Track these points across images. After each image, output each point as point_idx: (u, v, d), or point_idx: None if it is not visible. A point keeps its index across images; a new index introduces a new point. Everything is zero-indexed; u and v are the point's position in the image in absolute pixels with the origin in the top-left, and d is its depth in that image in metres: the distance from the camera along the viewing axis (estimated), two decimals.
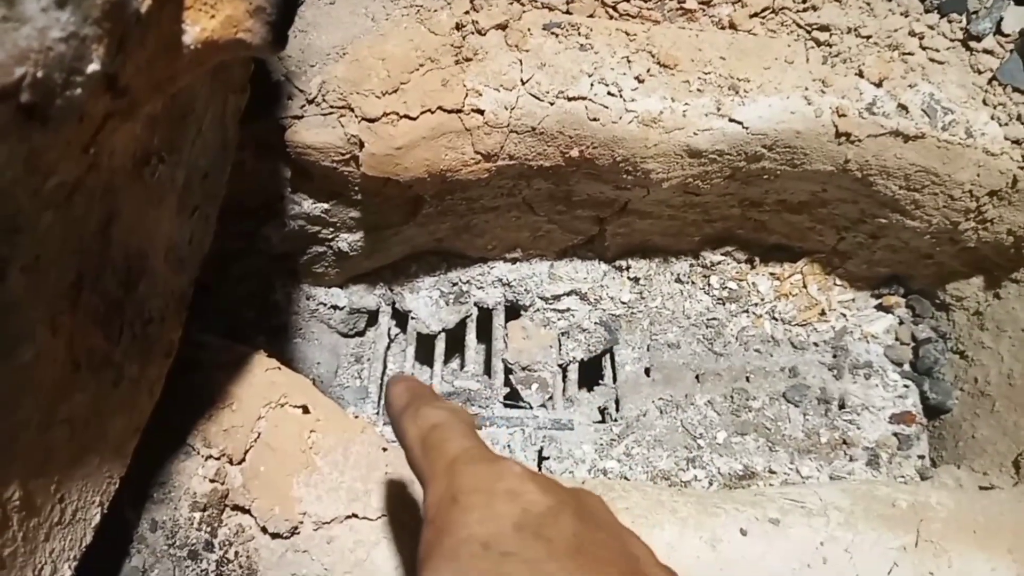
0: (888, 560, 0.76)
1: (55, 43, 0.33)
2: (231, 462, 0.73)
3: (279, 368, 0.79)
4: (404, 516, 0.73)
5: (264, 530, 0.71)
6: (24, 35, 0.32)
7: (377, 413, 1.13)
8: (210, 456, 0.73)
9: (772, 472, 1.08)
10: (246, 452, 0.73)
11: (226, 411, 0.75)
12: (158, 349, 0.68)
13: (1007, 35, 0.97)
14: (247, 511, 0.72)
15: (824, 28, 0.97)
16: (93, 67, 0.35)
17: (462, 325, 1.22)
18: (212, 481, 0.72)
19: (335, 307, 1.18)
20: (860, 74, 0.97)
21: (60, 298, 0.51)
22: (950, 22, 0.99)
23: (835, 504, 0.80)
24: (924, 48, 0.99)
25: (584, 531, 0.40)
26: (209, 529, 0.72)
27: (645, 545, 0.45)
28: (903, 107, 0.95)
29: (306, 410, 0.76)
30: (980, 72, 0.97)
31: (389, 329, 1.23)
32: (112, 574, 0.69)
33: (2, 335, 0.44)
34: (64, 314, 0.52)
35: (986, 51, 0.98)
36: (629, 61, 0.92)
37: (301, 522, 0.71)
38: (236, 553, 0.71)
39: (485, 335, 1.23)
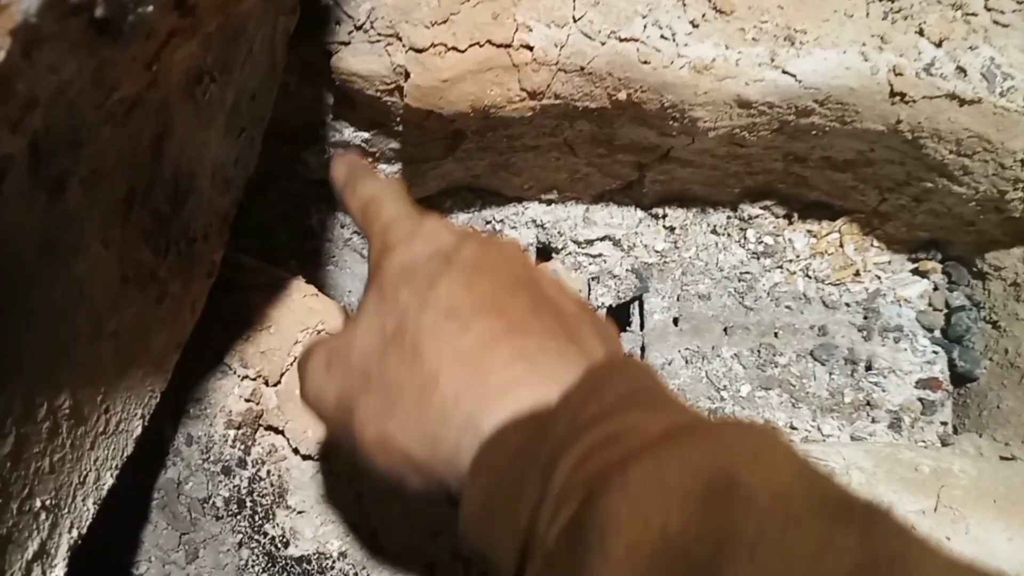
0: (906, 523, 0.77)
1: None
2: (267, 383, 0.75)
3: (316, 295, 0.79)
4: None
5: (296, 451, 0.73)
6: None
7: None
8: (246, 376, 0.74)
9: (793, 428, 1.08)
10: (282, 375, 0.75)
11: (264, 333, 0.76)
12: (201, 268, 0.69)
13: None
14: (280, 432, 0.74)
15: None
16: None
17: None
18: (247, 401, 0.74)
19: None
20: (920, 32, 0.94)
21: (112, 212, 0.51)
22: None
23: (858, 464, 0.80)
24: (989, 9, 0.95)
25: (485, 254, 0.46)
26: (243, 447, 0.73)
27: (551, 275, 0.50)
28: (961, 69, 0.92)
29: None
30: None
31: None
32: (149, 484, 0.72)
33: (60, 246, 0.44)
34: (115, 228, 0.52)
35: None
36: (685, 4, 0.90)
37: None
38: (268, 472, 0.73)
39: None
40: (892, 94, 0.92)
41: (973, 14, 0.95)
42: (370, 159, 1.05)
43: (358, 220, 0.53)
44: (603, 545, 0.29)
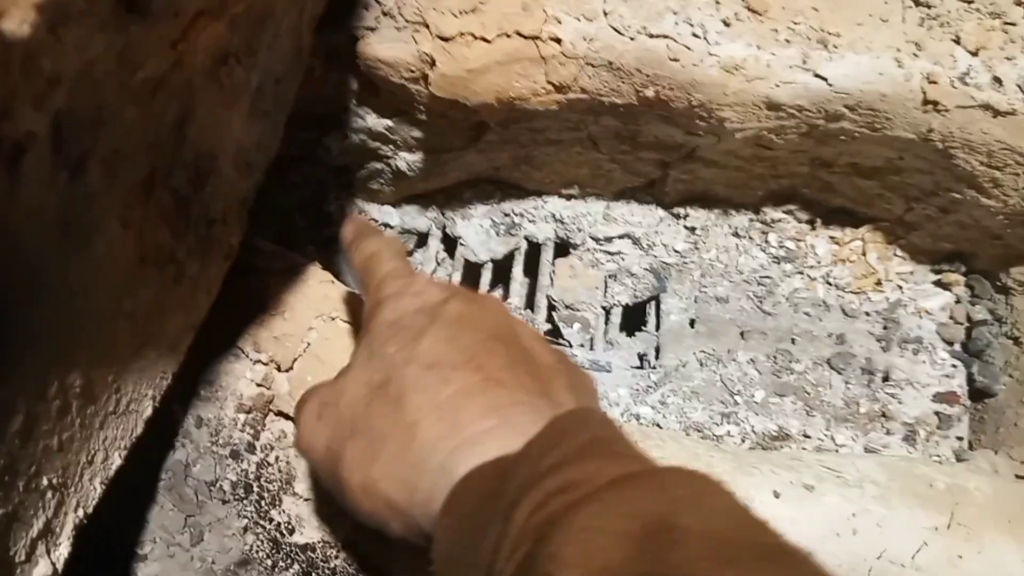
0: (918, 539, 0.76)
1: None
2: (279, 369, 0.74)
3: (332, 282, 0.79)
4: None
5: None
6: None
7: None
8: (259, 361, 0.74)
9: (806, 436, 1.07)
10: (295, 361, 0.74)
11: (278, 318, 0.75)
12: (219, 251, 0.69)
13: None
14: (290, 418, 0.73)
15: None
16: None
17: (510, 257, 1.21)
18: (259, 385, 0.73)
19: (386, 225, 1.18)
20: (957, 40, 0.92)
21: (133, 192, 0.51)
22: None
23: (872, 478, 0.79)
24: None
25: (468, 310, 0.50)
26: (252, 432, 0.73)
27: (532, 328, 0.55)
28: (997, 80, 0.91)
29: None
30: None
31: (437, 253, 1.22)
32: (156, 464, 0.72)
33: (79, 226, 0.44)
34: (135, 208, 0.52)
35: None
36: (718, 3, 0.88)
37: None
38: (277, 458, 0.73)
39: (532, 270, 1.22)
40: (925, 102, 0.90)
41: (1012, 23, 0.94)
42: (391, 146, 1.04)
43: (360, 275, 0.59)
44: None
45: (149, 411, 0.61)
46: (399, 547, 0.68)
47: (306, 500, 0.72)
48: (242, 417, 0.73)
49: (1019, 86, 0.90)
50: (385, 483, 0.45)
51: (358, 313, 0.78)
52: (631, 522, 0.33)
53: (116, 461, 0.57)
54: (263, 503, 0.72)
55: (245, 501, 0.72)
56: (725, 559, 0.31)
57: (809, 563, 0.33)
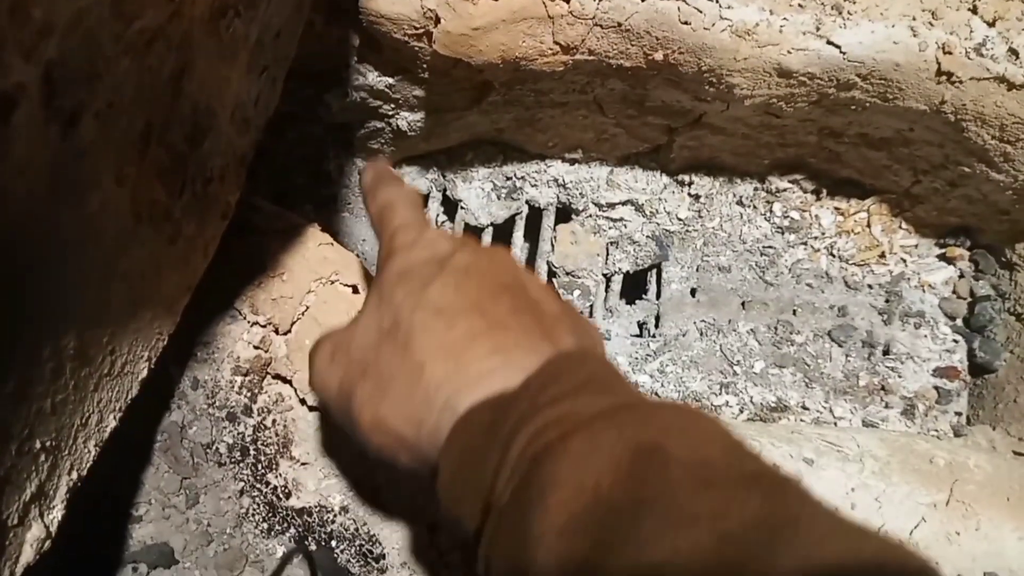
0: (917, 515, 0.76)
1: None
2: (277, 331, 0.73)
3: (332, 244, 0.77)
4: None
5: (303, 402, 0.72)
6: None
7: None
8: (256, 323, 0.73)
9: (805, 408, 1.07)
10: (293, 323, 0.73)
11: (276, 280, 0.74)
12: (216, 209, 0.67)
13: None
14: (288, 381, 0.73)
15: None
16: None
17: (511, 221, 1.20)
18: (256, 348, 0.72)
19: None
20: (974, 10, 0.90)
21: (128, 148, 0.49)
22: None
23: (872, 453, 0.79)
24: None
25: (476, 261, 0.51)
26: (249, 394, 0.72)
27: (540, 280, 0.55)
28: (1014, 52, 0.88)
29: (356, 290, 0.75)
30: None
31: (437, 215, 1.21)
32: (152, 426, 0.71)
33: (72, 182, 0.42)
34: (130, 165, 0.50)
35: None
36: None
37: None
38: (273, 421, 0.72)
39: (533, 235, 1.21)
40: (939, 73, 0.88)
41: None
42: (393, 105, 1.02)
43: (375, 222, 0.60)
44: (543, 501, 0.36)
45: (144, 373, 0.60)
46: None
47: (303, 464, 0.71)
48: (239, 380, 0.72)
49: None
50: (394, 419, 0.47)
51: (360, 277, 0.77)
52: (622, 447, 0.36)
53: (111, 423, 0.56)
54: (259, 466, 0.71)
55: (241, 464, 0.71)
56: (707, 482, 0.34)
57: (792, 487, 0.35)
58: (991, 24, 0.89)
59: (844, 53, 0.87)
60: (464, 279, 0.49)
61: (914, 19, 0.88)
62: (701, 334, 1.12)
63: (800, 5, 0.87)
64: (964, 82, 0.88)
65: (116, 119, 0.45)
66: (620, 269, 1.17)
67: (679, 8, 0.84)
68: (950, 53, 0.87)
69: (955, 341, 1.12)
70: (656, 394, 1.07)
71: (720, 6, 0.85)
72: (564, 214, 1.20)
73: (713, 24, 0.85)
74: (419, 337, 0.47)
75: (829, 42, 0.87)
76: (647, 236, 1.16)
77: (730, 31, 0.85)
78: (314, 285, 0.74)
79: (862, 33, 0.87)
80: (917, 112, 0.93)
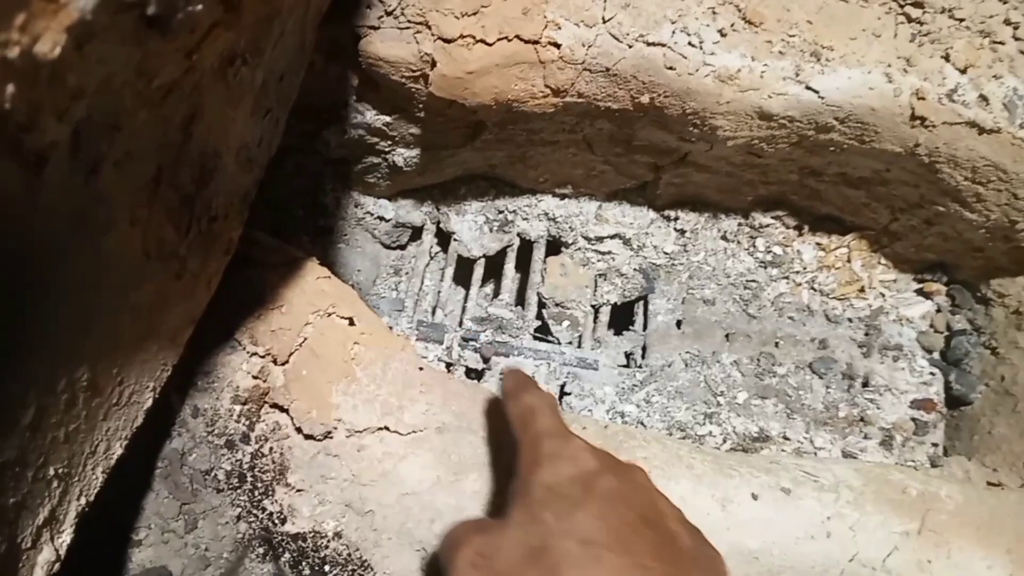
0: (890, 544, 0.78)
1: None
2: (275, 362, 0.76)
3: (329, 277, 0.80)
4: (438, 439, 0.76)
5: (299, 431, 0.75)
6: None
7: (411, 327, 1.15)
8: (255, 353, 0.76)
9: (786, 439, 1.10)
10: (291, 354, 0.76)
11: (275, 312, 0.77)
12: (219, 245, 0.70)
13: None
14: (285, 410, 0.75)
15: (918, 4, 0.94)
16: None
17: (502, 253, 1.23)
18: (255, 378, 0.75)
19: (381, 218, 1.20)
20: (946, 58, 0.94)
21: (141, 191, 0.52)
22: None
23: (847, 483, 0.82)
24: (1017, 39, 0.95)
25: (619, 487, 0.54)
26: (247, 423, 0.75)
27: (673, 505, 0.59)
28: (984, 98, 0.93)
29: (352, 322, 0.78)
30: None
31: (431, 247, 1.24)
32: (153, 453, 0.73)
33: (91, 223, 0.45)
34: (143, 206, 0.53)
35: None
36: (715, 13, 0.90)
37: (335, 428, 0.74)
38: (271, 448, 0.74)
39: (524, 266, 1.24)
40: (913, 117, 0.92)
41: (1000, 42, 0.95)
42: (389, 141, 1.05)
43: (515, 424, 0.63)
44: None
45: (150, 402, 0.62)
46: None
47: (299, 491, 0.74)
48: (238, 408, 0.75)
49: (1005, 105, 0.92)
50: None
51: (356, 309, 0.80)
52: None
53: (118, 451, 0.59)
54: (256, 492, 0.74)
55: (239, 490, 0.74)
56: None
57: None
58: (963, 71, 0.94)
59: (822, 97, 0.91)
60: (609, 508, 0.53)
61: (889, 66, 0.92)
62: (686, 365, 1.15)
63: (780, 52, 0.91)
64: (937, 126, 0.92)
65: (132, 165, 0.48)
66: (608, 301, 1.20)
67: (664, 54, 0.88)
68: (923, 99, 0.92)
69: (932, 374, 1.15)
70: (642, 423, 1.10)
71: (704, 52, 0.89)
72: (554, 247, 1.24)
73: (697, 69, 0.89)
74: (566, 569, 0.49)
75: (808, 87, 0.91)
76: (634, 269, 1.20)
77: (713, 76, 0.89)
78: (312, 317, 0.77)
79: (839, 79, 0.91)
80: (893, 154, 0.97)
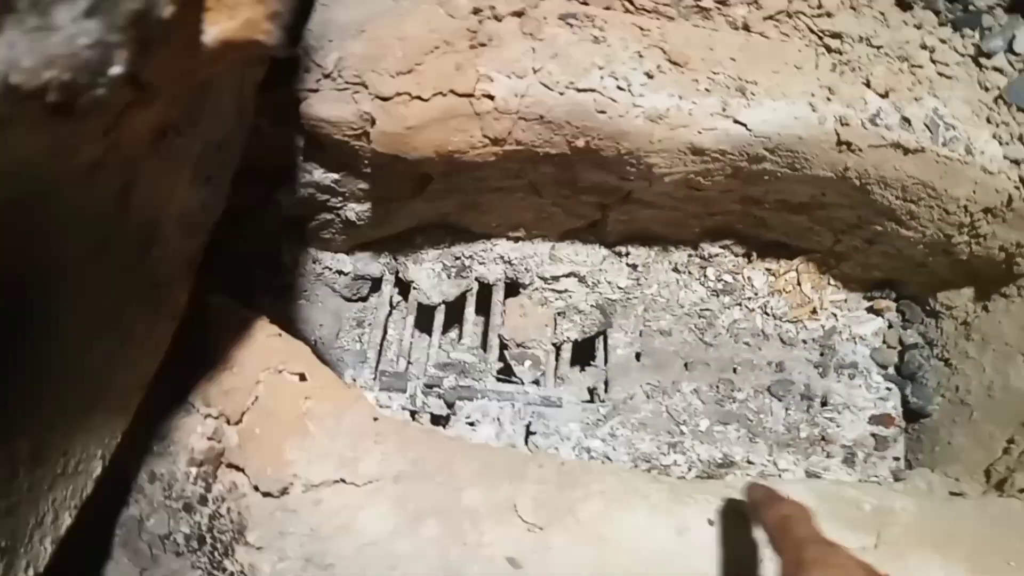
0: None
1: (82, 49, 0.36)
2: (228, 422, 0.77)
3: (280, 335, 0.82)
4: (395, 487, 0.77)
5: (256, 489, 0.75)
6: (54, 43, 0.35)
7: (374, 378, 1.16)
8: (209, 415, 0.77)
9: (750, 463, 1.11)
10: (243, 414, 0.77)
11: (227, 373, 0.78)
12: (165, 311, 0.72)
13: (1018, 54, 0.98)
14: (241, 469, 0.76)
15: (836, 35, 0.99)
16: (117, 69, 0.38)
17: (462, 298, 1.25)
18: (210, 439, 0.76)
19: (340, 272, 1.22)
20: (867, 84, 0.98)
21: (81, 262, 0.54)
22: (963, 37, 1.00)
23: (803, 503, 0.83)
24: (934, 62, 1.00)
25: None
26: (204, 484, 0.76)
27: None
28: (906, 120, 0.96)
29: (303, 377, 0.79)
30: (987, 90, 0.98)
31: (391, 297, 1.26)
32: (111, 520, 0.74)
33: (33, 299, 0.47)
34: (84, 277, 0.55)
35: (996, 69, 0.99)
36: (641, 56, 0.94)
37: (292, 483, 0.75)
38: (228, 508, 0.75)
39: (484, 310, 1.26)
40: (839, 143, 0.96)
41: (919, 66, 1.00)
42: (340, 198, 1.07)
43: (773, 530, 0.66)
44: None
45: (99, 470, 0.63)
46: None
47: (259, 549, 0.74)
48: (194, 470, 0.76)
49: (927, 125, 0.96)
50: None
51: (307, 364, 0.81)
52: None
53: (66, 521, 0.59)
54: (216, 553, 0.74)
55: (199, 552, 0.74)
56: None
57: None
58: (884, 95, 0.98)
59: (751, 130, 0.95)
60: None
61: (813, 95, 0.96)
62: (648, 396, 1.17)
63: (707, 89, 0.94)
64: (863, 150, 0.96)
65: (69, 238, 0.50)
66: (568, 338, 1.22)
67: (595, 99, 0.91)
68: (847, 124, 0.95)
69: (888, 389, 1.17)
70: (608, 457, 1.11)
71: (632, 95, 0.92)
72: (512, 288, 1.26)
73: (627, 111, 0.92)
74: None
75: (736, 121, 0.94)
76: (591, 305, 1.22)
77: (644, 116, 0.93)
78: (262, 375, 0.78)
79: (765, 111, 0.95)
80: (825, 179, 1.00)
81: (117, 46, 0.37)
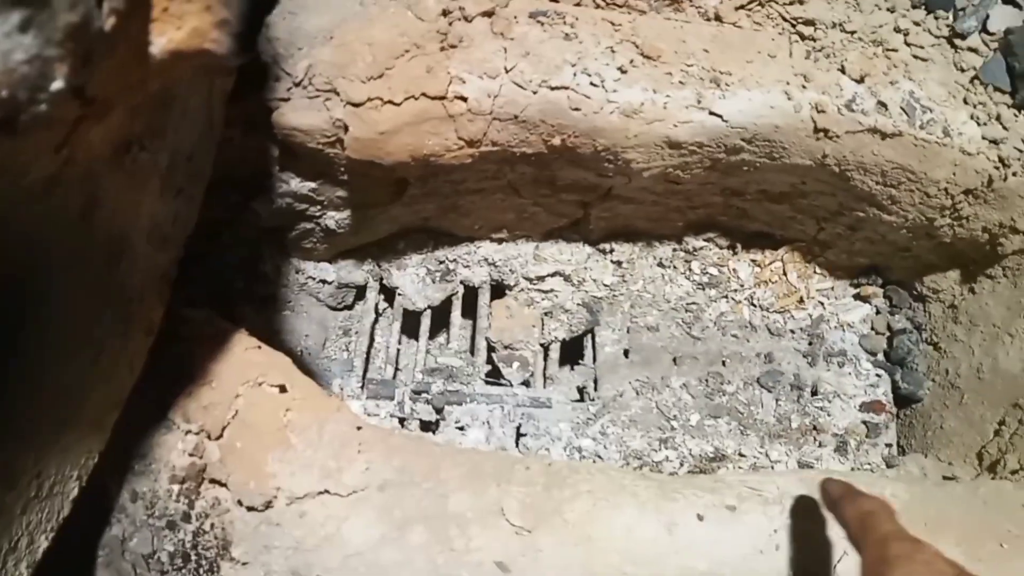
0: (839, 548, 0.79)
1: (18, 65, 0.35)
2: (209, 437, 0.76)
3: (259, 347, 0.81)
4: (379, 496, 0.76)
5: (239, 503, 0.75)
6: None
7: (362, 387, 1.16)
8: (189, 431, 0.76)
9: (742, 455, 1.11)
10: (224, 428, 0.76)
11: (206, 388, 0.77)
12: (139, 327, 0.71)
13: (992, 34, 0.98)
14: (223, 484, 0.75)
15: (809, 22, 0.98)
16: (58, 84, 0.37)
17: (448, 302, 1.24)
18: (191, 455, 0.75)
19: (324, 281, 1.21)
20: (842, 70, 0.98)
21: (46, 278, 0.53)
22: (936, 19, 1.00)
23: (791, 493, 0.82)
24: (908, 45, 1.00)
25: None
26: (187, 501, 0.75)
27: None
28: (882, 104, 0.96)
29: (283, 389, 0.79)
30: (963, 71, 0.98)
31: (377, 304, 1.25)
32: (93, 542, 0.73)
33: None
34: (51, 292, 0.54)
35: (970, 49, 0.98)
36: (613, 51, 0.93)
37: (275, 496, 0.75)
38: (212, 524, 0.74)
39: (470, 313, 1.25)
40: (816, 130, 0.95)
41: (893, 49, 0.99)
42: (318, 206, 1.07)
43: (854, 526, 0.66)
44: None
45: (75, 492, 0.63)
46: None
47: (244, 564, 0.73)
48: (176, 488, 0.75)
49: (903, 108, 0.95)
50: None
51: (287, 376, 0.81)
52: None
53: (43, 544, 0.59)
54: (201, 571, 0.73)
55: (184, 570, 0.73)
56: None
57: None
58: (859, 81, 0.97)
59: (726, 121, 0.94)
60: None
61: (788, 84, 0.96)
62: (637, 393, 1.16)
63: (681, 82, 0.94)
64: (841, 136, 0.96)
65: (35, 254, 0.50)
66: (556, 337, 1.21)
67: (568, 96, 0.91)
68: (823, 111, 0.95)
69: (878, 375, 1.17)
70: (599, 456, 1.11)
71: (606, 91, 0.91)
72: (498, 290, 1.25)
73: (602, 107, 0.92)
74: None
75: (711, 112, 0.94)
76: (577, 304, 1.21)
77: (618, 112, 0.92)
78: (241, 389, 0.77)
79: (740, 102, 0.94)
80: (804, 167, 1.00)
81: (56, 60, 0.37)
